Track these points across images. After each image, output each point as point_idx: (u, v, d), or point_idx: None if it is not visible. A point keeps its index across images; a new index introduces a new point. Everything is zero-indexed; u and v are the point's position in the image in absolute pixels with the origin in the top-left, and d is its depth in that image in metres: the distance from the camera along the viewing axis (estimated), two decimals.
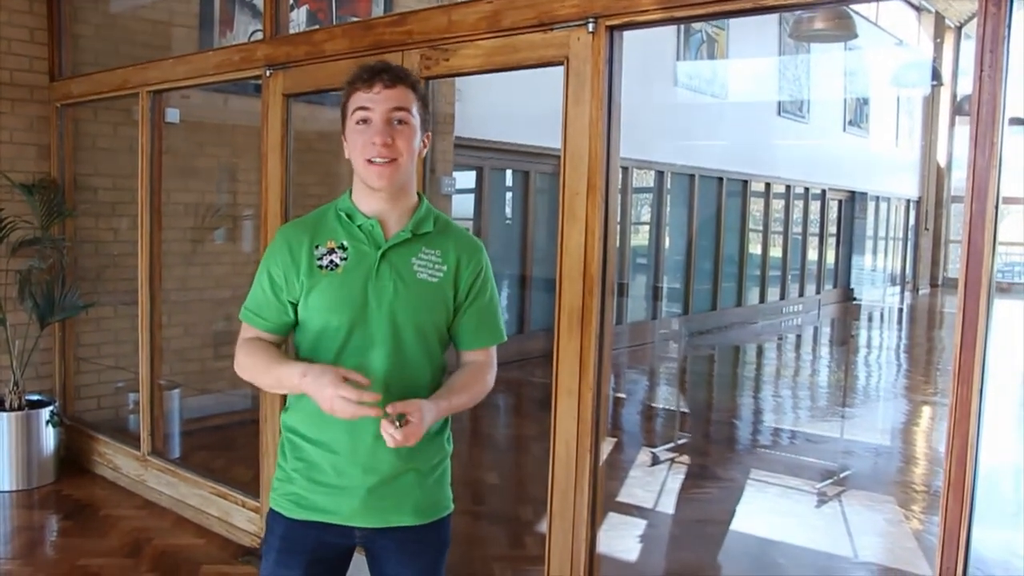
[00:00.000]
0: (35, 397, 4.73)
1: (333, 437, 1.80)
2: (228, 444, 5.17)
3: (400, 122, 1.75)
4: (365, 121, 1.75)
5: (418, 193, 1.89)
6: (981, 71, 1.93)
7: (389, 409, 1.65)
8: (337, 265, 1.79)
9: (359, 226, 1.81)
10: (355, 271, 1.78)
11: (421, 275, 1.81)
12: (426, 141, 1.84)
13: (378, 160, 1.74)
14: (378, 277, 1.78)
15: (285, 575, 1.86)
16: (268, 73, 3.55)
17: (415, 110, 1.78)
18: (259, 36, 3.77)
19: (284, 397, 1.91)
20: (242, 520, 3.84)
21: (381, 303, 1.77)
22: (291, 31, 3.72)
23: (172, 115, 5.00)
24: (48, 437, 4.59)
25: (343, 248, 1.80)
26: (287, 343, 1.94)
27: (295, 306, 1.82)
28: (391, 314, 1.77)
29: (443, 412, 1.79)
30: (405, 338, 1.79)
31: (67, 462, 4.74)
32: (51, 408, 4.63)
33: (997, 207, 1.95)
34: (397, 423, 1.65)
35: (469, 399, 1.88)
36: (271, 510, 1.90)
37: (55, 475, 4.62)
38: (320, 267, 1.79)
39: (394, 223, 1.83)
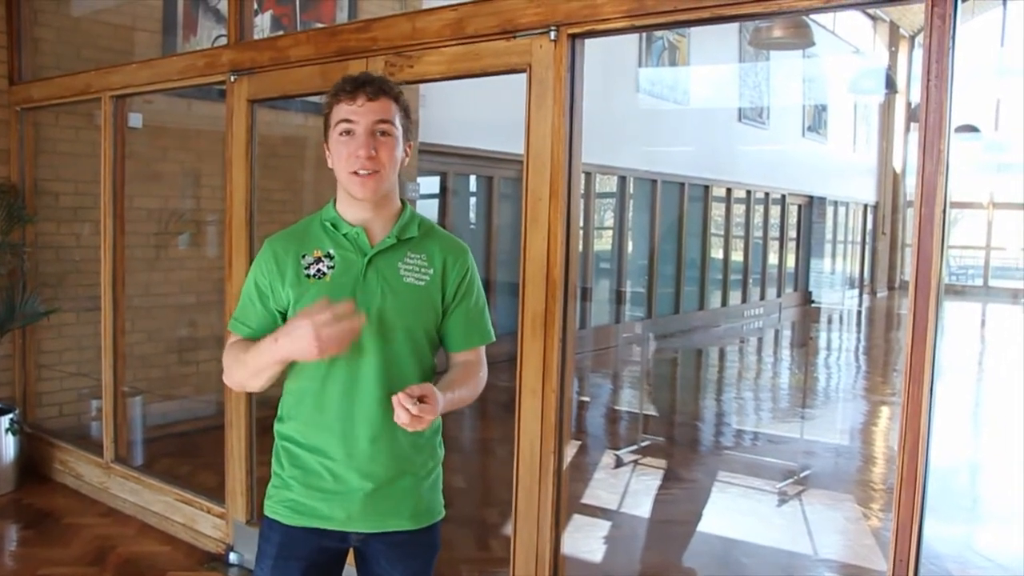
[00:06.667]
0: None
1: (328, 443, 1.82)
2: (193, 450, 5.12)
3: (383, 133, 1.79)
4: (349, 133, 1.78)
5: (401, 200, 1.93)
6: (928, 80, 2.00)
7: (407, 391, 1.65)
8: (324, 273, 1.82)
9: (344, 234, 1.84)
10: (343, 278, 1.81)
11: (408, 279, 1.84)
12: (408, 150, 1.88)
13: (362, 172, 1.78)
14: (365, 283, 1.81)
15: None
16: (232, 79, 3.54)
17: (398, 121, 1.82)
18: (223, 41, 3.77)
19: (276, 407, 1.92)
20: (208, 527, 3.83)
21: (370, 309, 1.79)
22: (255, 36, 3.72)
23: (135, 120, 4.95)
24: (8, 445, 4.52)
25: (330, 257, 1.83)
26: None
27: (283, 315, 1.84)
28: (380, 319, 1.80)
29: (447, 404, 1.79)
30: (395, 342, 1.82)
31: (27, 471, 4.67)
32: (11, 416, 4.56)
33: (945, 211, 2.03)
34: (415, 400, 1.64)
35: (469, 394, 1.89)
36: (266, 518, 1.91)
37: (15, 484, 4.55)
38: (308, 276, 1.82)
39: (379, 230, 1.86)
